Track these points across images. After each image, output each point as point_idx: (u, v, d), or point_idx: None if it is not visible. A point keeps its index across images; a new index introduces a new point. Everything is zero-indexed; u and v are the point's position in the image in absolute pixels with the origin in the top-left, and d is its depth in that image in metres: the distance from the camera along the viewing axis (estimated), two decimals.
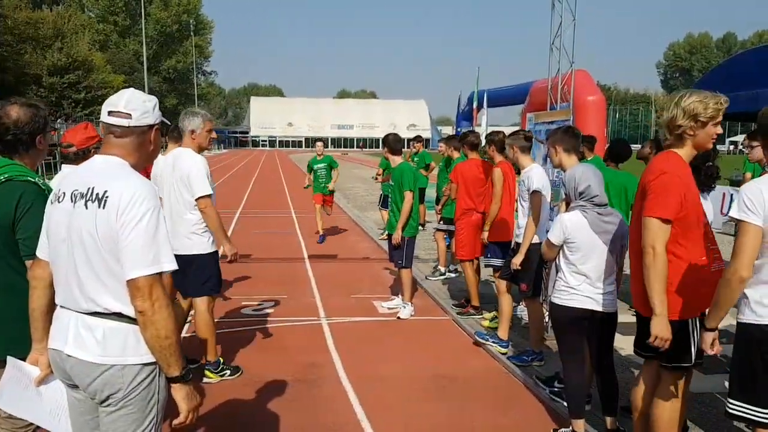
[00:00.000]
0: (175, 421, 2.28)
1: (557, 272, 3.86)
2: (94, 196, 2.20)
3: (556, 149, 4.55)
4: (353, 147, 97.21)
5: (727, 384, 4.63)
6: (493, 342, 5.58)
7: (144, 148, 2.36)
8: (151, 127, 2.36)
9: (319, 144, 11.86)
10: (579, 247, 3.71)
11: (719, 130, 3.07)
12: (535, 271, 5.18)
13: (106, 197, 2.18)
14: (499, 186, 5.72)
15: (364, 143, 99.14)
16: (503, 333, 5.56)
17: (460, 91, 37.72)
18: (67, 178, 2.35)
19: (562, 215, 3.87)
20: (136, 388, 2.24)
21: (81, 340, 2.23)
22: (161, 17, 71.88)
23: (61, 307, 2.33)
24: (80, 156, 3.35)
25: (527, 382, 4.86)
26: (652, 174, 3.02)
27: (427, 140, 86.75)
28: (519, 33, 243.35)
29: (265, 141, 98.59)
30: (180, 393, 2.25)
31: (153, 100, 2.38)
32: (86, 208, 2.21)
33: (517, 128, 6.78)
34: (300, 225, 13.58)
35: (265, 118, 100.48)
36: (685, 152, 3.09)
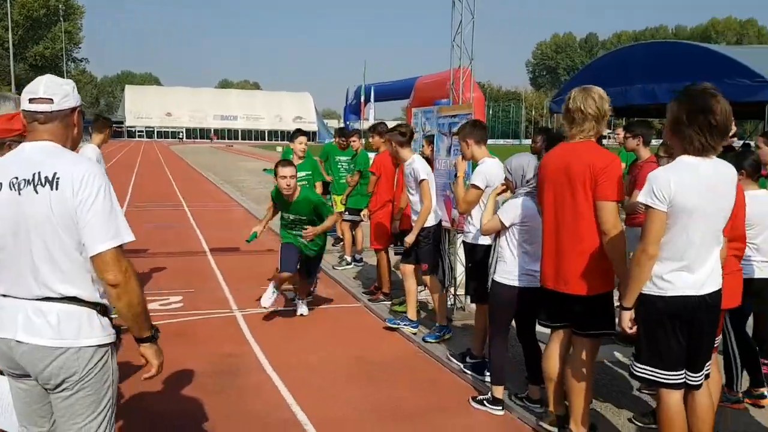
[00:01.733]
0: (146, 375, 2.43)
1: (498, 254, 4.13)
2: (43, 180, 2.22)
3: (467, 142, 4.89)
4: (238, 139, 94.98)
5: (616, 353, 5.22)
6: (405, 325, 5.86)
7: (70, 131, 2.41)
8: (73, 110, 2.41)
9: (302, 139, 8.14)
10: (530, 229, 4.02)
11: None
12: (433, 251, 5.65)
13: (57, 178, 2.22)
14: None
15: (249, 135, 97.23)
16: (412, 314, 5.87)
17: (348, 86, 38.10)
18: None
19: (517, 200, 4.08)
20: (92, 370, 2.30)
21: (33, 325, 2.24)
22: (27, 1, 66.12)
23: (4, 296, 2.30)
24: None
25: (441, 359, 5.18)
26: (603, 161, 3.37)
27: (313, 133, 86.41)
28: (405, 29, 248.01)
29: (142, 131, 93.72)
30: (149, 351, 2.43)
31: (71, 84, 2.43)
32: (37, 192, 2.22)
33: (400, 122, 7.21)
34: (195, 217, 13.25)
35: (141, 107, 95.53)
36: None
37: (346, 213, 8.51)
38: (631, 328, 3.08)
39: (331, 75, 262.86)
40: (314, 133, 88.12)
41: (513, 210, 4.06)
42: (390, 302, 6.74)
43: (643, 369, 3.12)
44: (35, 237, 2.21)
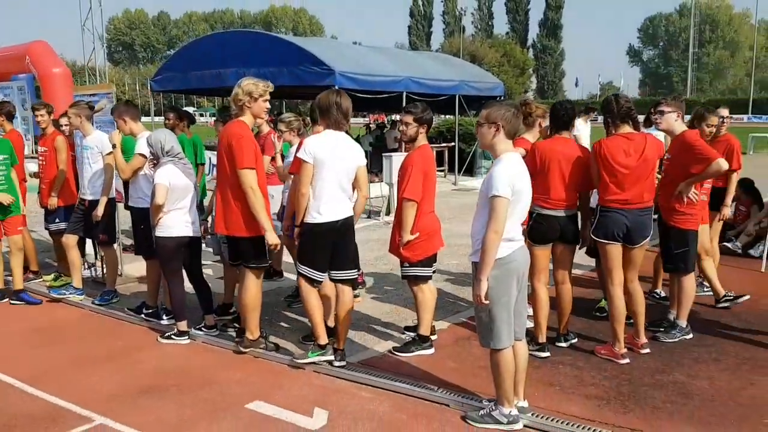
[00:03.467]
0: None
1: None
2: None
3: (124, 119, 5.57)
4: None
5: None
6: (71, 293, 6.20)
7: None
8: None
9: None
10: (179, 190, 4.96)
11: (267, 105, 4.75)
12: (110, 224, 6.17)
13: None
14: (65, 153, 6.29)
15: None
16: (77, 282, 6.26)
17: None
18: None
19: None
20: None
21: None
22: None
23: None
24: None
25: (120, 315, 5.80)
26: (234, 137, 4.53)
27: None
28: None
29: None
30: None
31: None
32: None
33: None
34: None
35: None
36: (248, 120, 4.69)
37: None
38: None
39: None
40: None
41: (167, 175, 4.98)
42: (41, 279, 6.83)
43: (304, 269, 4.55)
44: None
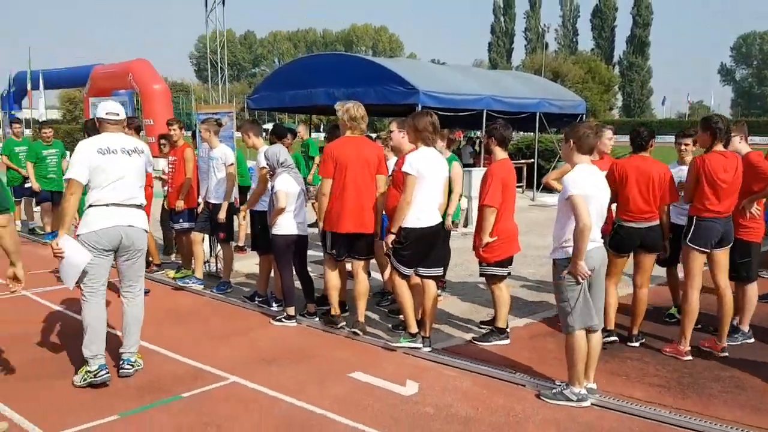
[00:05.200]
0: None
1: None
2: None
3: (249, 134, 6.52)
4: None
5: None
6: (194, 282, 7.21)
7: None
8: None
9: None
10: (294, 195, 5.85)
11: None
12: (229, 224, 7.13)
13: None
14: (192, 163, 7.35)
15: None
16: (199, 273, 7.26)
17: (11, 71, 34.08)
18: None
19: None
20: None
21: None
22: None
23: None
24: None
25: (237, 302, 6.72)
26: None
27: None
28: (76, 15, 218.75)
29: None
30: None
31: None
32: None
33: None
34: None
35: None
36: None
37: None
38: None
39: None
40: None
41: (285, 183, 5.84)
42: (163, 271, 7.91)
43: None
44: None
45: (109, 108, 4.66)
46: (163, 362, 5.06)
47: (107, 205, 4.47)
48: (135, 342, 4.79)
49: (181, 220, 7.59)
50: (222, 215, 6.86)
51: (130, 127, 7.15)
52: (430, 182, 5.11)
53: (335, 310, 5.74)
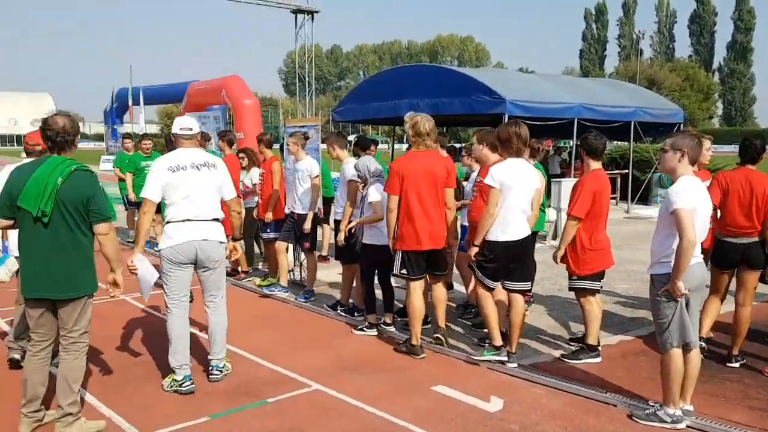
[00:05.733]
0: None
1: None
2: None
3: (333, 147, 6.60)
4: None
5: None
6: (279, 290, 7.36)
7: None
8: None
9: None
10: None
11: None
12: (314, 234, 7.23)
13: None
14: (278, 176, 7.54)
15: None
16: (284, 282, 7.42)
17: (113, 87, 36.49)
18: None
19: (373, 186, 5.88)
20: None
21: None
22: None
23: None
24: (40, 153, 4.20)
25: (320, 310, 6.80)
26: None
27: None
28: (172, 33, 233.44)
29: None
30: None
31: None
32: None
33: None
34: None
35: None
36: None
37: None
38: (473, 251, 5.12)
39: (73, 75, 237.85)
40: None
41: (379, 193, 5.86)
42: (250, 279, 8.14)
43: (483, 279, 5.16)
44: None
45: (183, 123, 4.77)
46: (250, 367, 5.17)
47: (182, 221, 4.58)
48: (221, 349, 4.92)
49: (268, 230, 7.77)
50: (307, 225, 6.97)
51: (206, 141, 7.46)
52: (517, 194, 4.95)
53: (417, 340, 5.44)
